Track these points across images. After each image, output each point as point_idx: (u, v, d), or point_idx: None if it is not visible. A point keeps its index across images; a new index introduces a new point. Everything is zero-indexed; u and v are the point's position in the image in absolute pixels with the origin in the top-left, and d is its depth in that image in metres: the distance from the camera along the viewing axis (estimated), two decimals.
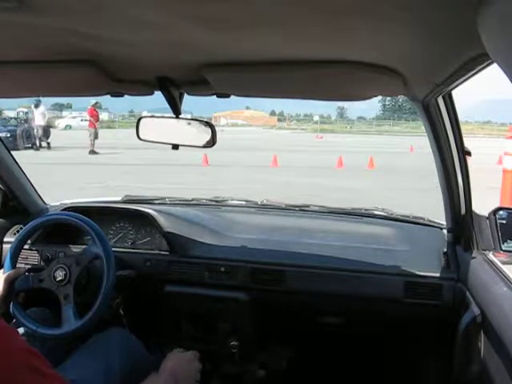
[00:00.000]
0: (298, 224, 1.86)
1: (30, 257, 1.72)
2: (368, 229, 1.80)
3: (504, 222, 1.40)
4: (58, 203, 2.00)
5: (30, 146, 15.06)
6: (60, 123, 31.05)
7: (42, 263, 1.69)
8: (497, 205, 1.47)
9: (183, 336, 1.71)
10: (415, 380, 1.77)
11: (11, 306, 1.42)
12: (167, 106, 1.30)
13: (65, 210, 1.79)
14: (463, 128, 1.30)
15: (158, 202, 2.00)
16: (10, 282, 1.41)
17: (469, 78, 0.88)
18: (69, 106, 72.97)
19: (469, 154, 1.33)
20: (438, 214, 1.71)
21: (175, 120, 1.33)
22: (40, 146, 15.33)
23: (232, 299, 1.64)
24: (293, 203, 2.03)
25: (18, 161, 1.83)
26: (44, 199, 2.00)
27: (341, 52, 0.94)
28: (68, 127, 30.17)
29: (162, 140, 1.40)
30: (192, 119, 1.39)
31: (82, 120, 31.98)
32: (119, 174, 9.73)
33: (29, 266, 1.64)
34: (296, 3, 0.66)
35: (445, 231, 1.63)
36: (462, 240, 1.48)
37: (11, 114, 23.96)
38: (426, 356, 1.69)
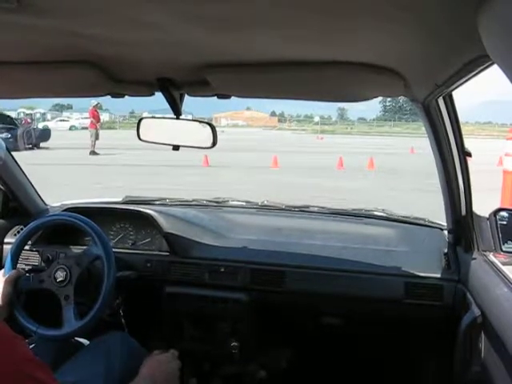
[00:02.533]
0: (298, 225, 1.86)
1: (31, 257, 1.72)
2: (368, 230, 1.80)
3: (504, 223, 1.40)
4: (58, 204, 2.00)
5: (30, 146, 15.17)
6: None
7: (43, 264, 1.69)
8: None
9: (183, 336, 1.70)
10: (415, 381, 1.77)
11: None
12: (168, 106, 1.30)
13: (65, 210, 1.79)
14: (463, 129, 1.30)
15: (158, 202, 2.00)
16: (10, 283, 1.41)
17: (469, 79, 0.88)
18: (69, 107, 72.98)
19: (469, 154, 1.33)
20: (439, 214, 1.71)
21: (176, 121, 1.33)
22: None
23: (232, 300, 1.64)
24: (293, 204, 2.03)
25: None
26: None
27: (341, 53, 0.94)
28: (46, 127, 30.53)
29: (163, 141, 1.39)
30: (193, 120, 1.39)
31: (60, 120, 33.04)
32: (116, 174, 9.73)
33: (29, 267, 1.65)
34: (296, 4, 0.66)
35: (445, 232, 1.63)
36: (463, 241, 1.48)
37: (12, 114, 23.97)
38: (427, 357, 1.69)
